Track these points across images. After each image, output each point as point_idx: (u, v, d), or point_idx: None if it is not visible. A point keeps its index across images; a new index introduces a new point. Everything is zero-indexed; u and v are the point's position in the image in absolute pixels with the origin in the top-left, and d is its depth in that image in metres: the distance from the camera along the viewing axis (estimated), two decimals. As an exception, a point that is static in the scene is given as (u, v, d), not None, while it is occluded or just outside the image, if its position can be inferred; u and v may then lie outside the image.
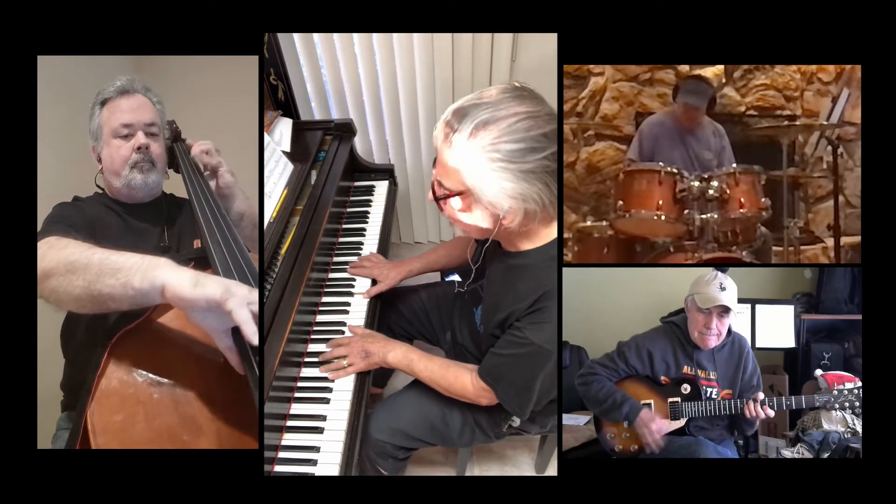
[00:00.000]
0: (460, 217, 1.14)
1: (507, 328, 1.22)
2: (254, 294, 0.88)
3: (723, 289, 1.41)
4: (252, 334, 0.84)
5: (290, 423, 1.29)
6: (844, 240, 2.34)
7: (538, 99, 1.06)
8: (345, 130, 1.93)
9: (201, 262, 1.18)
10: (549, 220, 1.14)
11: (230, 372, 0.90)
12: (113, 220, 1.33)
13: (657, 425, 1.40)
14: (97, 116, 1.35)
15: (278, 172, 1.57)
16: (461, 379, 1.33)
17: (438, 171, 1.12)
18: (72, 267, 0.93)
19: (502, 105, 1.02)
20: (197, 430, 0.91)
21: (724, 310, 1.42)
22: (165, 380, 0.95)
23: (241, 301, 0.85)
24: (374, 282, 1.62)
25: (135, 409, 0.90)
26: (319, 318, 1.54)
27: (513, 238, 1.18)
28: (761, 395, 1.39)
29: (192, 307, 0.87)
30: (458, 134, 1.03)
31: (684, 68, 2.52)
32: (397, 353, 1.40)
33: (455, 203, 1.12)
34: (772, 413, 1.38)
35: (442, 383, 1.37)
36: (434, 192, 1.15)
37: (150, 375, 0.95)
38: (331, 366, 1.39)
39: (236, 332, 0.88)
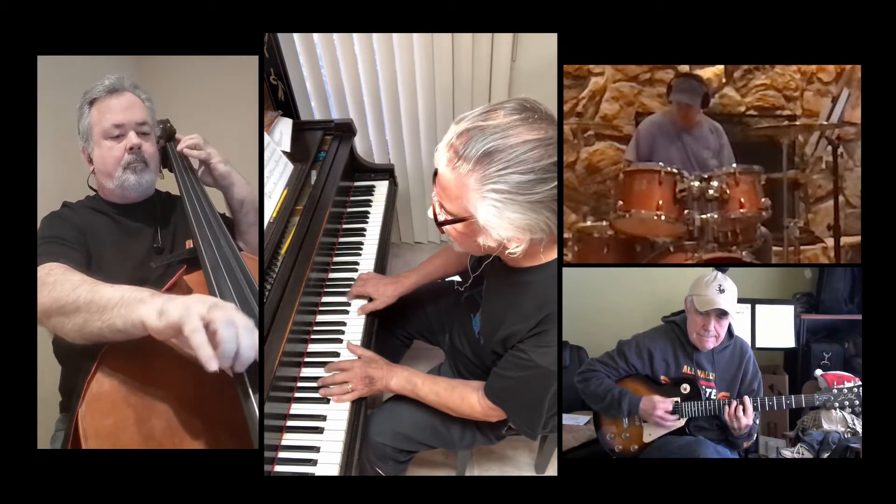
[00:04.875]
0: (461, 239, 1.09)
1: (510, 348, 1.20)
2: (225, 310, 0.81)
3: (721, 291, 1.41)
4: (206, 359, 0.76)
5: (290, 423, 1.29)
6: (844, 240, 2.33)
7: (548, 119, 0.99)
8: (345, 130, 1.93)
9: (193, 262, 1.18)
10: (553, 242, 1.10)
11: (221, 376, 0.90)
12: (105, 224, 1.32)
13: (660, 410, 1.40)
14: (86, 116, 1.32)
15: (278, 172, 1.57)
16: (468, 399, 1.32)
17: (440, 194, 1.05)
18: (62, 310, 0.94)
19: (511, 131, 0.95)
20: (187, 435, 0.91)
21: (722, 312, 1.42)
22: (156, 384, 0.95)
23: (197, 324, 0.77)
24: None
25: (125, 412, 0.90)
26: (319, 318, 1.54)
27: (515, 258, 1.12)
28: (748, 400, 1.38)
29: (166, 338, 0.82)
30: (462, 161, 0.96)
31: (684, 68, 2.52)
32: (400, 379, 1.38)
33: (458, 227, 1.06)
34: (743, 421, 1.37)
35: (448, 405, 1.35)
36: (435, 215, 1.08)
37: (141, 380, 0.95)
38: (332, 389, 1.35)
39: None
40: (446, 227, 1.08)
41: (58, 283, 0.99)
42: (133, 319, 0.85)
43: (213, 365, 0.77)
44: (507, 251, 1.05)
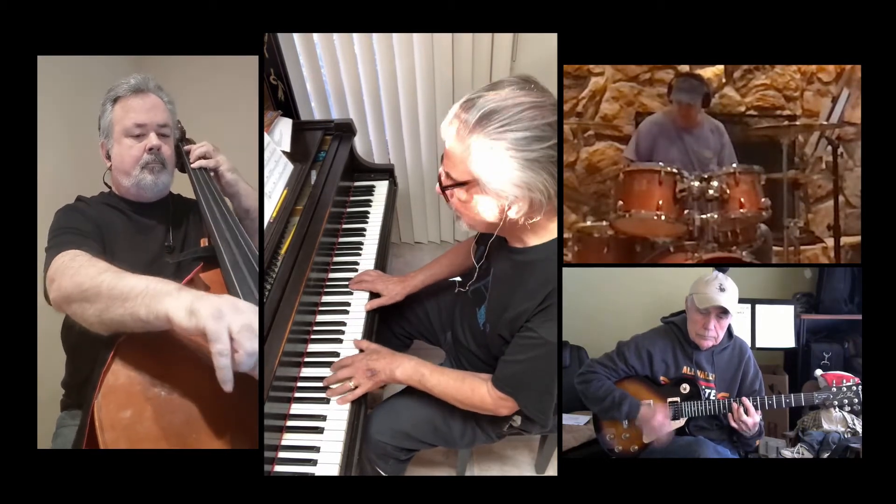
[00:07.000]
0: (466, 209, 1.15)
1: (518, 330, 1.20)
2: (252, 335, 0.84)
3: (722, 290, 1.41)
4: (224, 381, 0.81)
5: (290, 423, 1.29)
6: (844, 240, 2.34)
7: (543, 90, 1.09)
8: (345, 130, 1.93)
9: (210, 260, 1.19)
10: (553, 214, 1.16)
11: (239, 376, 0.90)
12: (119, 220, 1.33)
13: (658, 421, 1.40)
14: (108, 113, 1.33)
15: (278, 172, 1.57)
16: (478, 391, 1.31)
17: (446, 163, 1.14)
18: (84, 295, 0.94)
19: (509, 96, 1.05)
20: (205, 430, 0.91)
21: (723, 311, 1.41)
22: (174, 378, 0.94)
23: (225, 348, 0.81)
24: (375, 294, 1.60)
25: (143, 405, 0.90)
26: (319, 317, 1.54)
27: (518, 232, 1.18)
28: (746, 401, 1.38)
29: (190, 335, 0.85)
30: (464, 123, 1.06)
31: (684, 68, 2.52)
32: (406, 369, 1.37)
33: (461, 194, 1.13)
34: (750, 421, 1.37)
35: (458, 396, 1.34)
36: (441, 184, 1.16)
37: (159, 374, 0.94)
38: (337, 389, 1.35)
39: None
40: (452, 200, 1.16)
41: (82, 268, 1.00)
42: (158, 311, 0.86)
43: (228, 388, 0.82)
44: (508, 218, 1.11)
